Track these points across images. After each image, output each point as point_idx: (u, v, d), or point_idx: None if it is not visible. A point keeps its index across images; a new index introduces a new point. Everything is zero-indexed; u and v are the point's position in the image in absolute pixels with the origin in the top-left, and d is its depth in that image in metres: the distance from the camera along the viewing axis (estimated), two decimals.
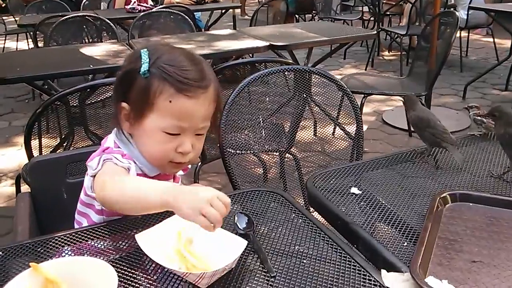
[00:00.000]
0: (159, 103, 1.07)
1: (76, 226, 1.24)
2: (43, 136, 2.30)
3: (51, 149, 2.31)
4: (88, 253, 0.99)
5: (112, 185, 1.01)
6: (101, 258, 0.95)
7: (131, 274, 0.91)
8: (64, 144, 2.35)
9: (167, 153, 1.11)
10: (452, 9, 5.34)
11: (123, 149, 1.13)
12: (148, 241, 0.92)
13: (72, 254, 0.97)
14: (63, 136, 2.41)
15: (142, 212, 1.05)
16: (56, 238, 1.04)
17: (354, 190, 1.23)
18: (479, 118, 1.58)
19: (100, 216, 1.17)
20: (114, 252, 0.98)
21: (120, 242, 1.02)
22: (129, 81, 1.09)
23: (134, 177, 1.08)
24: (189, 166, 1.25)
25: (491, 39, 6.31)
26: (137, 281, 0.89)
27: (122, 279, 0.89)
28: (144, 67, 1.06)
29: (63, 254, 0.98)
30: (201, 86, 1.08)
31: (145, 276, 0.91)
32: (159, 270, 0.92)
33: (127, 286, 0.87)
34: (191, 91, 1.07)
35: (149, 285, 0.89)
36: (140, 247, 0.92)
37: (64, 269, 0.70)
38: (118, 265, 0.93)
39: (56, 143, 2.37)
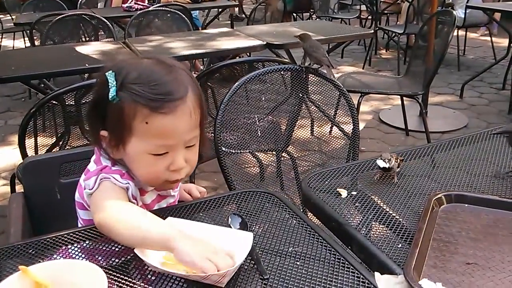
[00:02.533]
0: (136, 126, 1.00)
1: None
2: (39, 135, 2.30)
3: (47, 148, 2.31)
4: (80, 255, 0.97)
5: (111, 214, 0.96)
6: (96, 260, 0.94)
7: (125, 277, 0.90)
8: (60, 143, 2.35)
9: (159, 174, 1.05)
10: (449, 8, 5.34)
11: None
12: (144, 251, 0.91)
13: (64, 256, 0.96)
14: (59, 135, 2.40)
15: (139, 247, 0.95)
16: (48, 239, 1.02)
17: (343, 192, 1.21)
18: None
19: None
20: (109, 255, 0.97)
21: (116, 244, 1.00)
22: (102, 109, 1.02)
23: (135, 209, 1.01)
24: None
25: (488, 38, 6.31)
26: (132, 285, 0.88)
27: (116, 283, 0.88)
28: (112, 92, 0.98)
29: (55, 256, 0.97)
30: (176, 99, 1.00)
31: (138, 279, 0.90)
32: (152, 276, 0.90)
33: None
34: (166, 107, 0.98)
35: None
36: (144, 260, 0.90)
37: (53, 272, 0.70)
38: (114, 269, 0.92)
39: (52, 142, 2.36)
